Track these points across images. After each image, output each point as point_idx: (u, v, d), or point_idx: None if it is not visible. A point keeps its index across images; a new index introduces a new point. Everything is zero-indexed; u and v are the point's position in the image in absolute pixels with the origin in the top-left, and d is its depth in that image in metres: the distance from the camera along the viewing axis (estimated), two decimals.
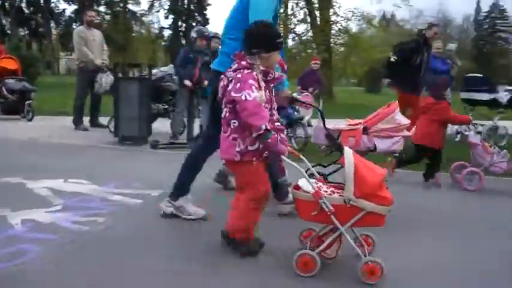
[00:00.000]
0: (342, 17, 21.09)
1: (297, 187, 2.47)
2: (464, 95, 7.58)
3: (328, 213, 2.27)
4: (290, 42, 23.14)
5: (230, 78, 2.44)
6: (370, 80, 34.98)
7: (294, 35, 22.15)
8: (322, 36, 19.44)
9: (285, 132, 6.57)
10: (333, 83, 22.72)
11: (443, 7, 77.14)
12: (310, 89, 8.67)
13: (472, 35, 68.70)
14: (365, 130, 3.62)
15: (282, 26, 20.93)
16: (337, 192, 2.43)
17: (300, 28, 22.22)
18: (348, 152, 2.33)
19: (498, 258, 2.85)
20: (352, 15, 21.00)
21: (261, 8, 2.91)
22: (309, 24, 21.25)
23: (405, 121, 3.70)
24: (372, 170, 2.36)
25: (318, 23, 20.48)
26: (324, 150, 3.85)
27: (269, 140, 2.34)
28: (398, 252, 2.76)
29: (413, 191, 4.47)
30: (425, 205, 3.96)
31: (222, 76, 2.53)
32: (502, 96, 7.24)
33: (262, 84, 2.48)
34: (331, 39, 21.19)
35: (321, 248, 2.39)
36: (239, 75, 2.39)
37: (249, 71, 2.43)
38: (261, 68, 2.49)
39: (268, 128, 2.32)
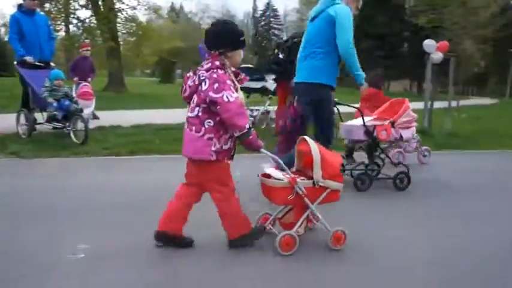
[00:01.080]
0: (127, 5, 20.43)
1: (267, 175, 2.66)
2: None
3: (302, 195, 2.56)
4: (72, 28, 21.27)
5: (202, 78, 2.38)
6: (162, 71, 35.14)
7: (76, 20, 20.34)
8: (106, 23, 18.40)
9: (64, 125, 6.13)
10: (123, 73, 21.94)
11: (226, 3, 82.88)
12: (89, 79, 8.12)
13: (252, 30, 76.27)
14: (392, 124, 4.37)
15: (62, 9, 19.05)
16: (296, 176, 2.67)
17: (84, 14, 20.63)
18: (312, 143, 2.61)
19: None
20: (138, 4, 20.57)
21: (346, 26, 3.45)
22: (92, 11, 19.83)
23: (414, 114, 4.59)
24: (333, 155, 2.74)
25: (101, 9, 19.31)
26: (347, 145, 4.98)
27: (250, 137, 2.41)
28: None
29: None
30: None
31: (189, 74, 2.49)
32: (270, 84, 8.24)
33: (237, 84, 2.50)
34: (118, 28, 20.32)
35: (296, 227, 2.65)
36: (215, 75, 2.36)
37: (223, 71, 2.41)
38: (232, 68, 2.51)
39: (250, 126, 2.40)
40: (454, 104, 14.69)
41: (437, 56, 8.58)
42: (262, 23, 75.50)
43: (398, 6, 32.23)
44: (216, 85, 2.33)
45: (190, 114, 2.47)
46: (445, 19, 29.53)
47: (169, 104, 12.42)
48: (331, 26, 3.48)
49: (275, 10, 74.95)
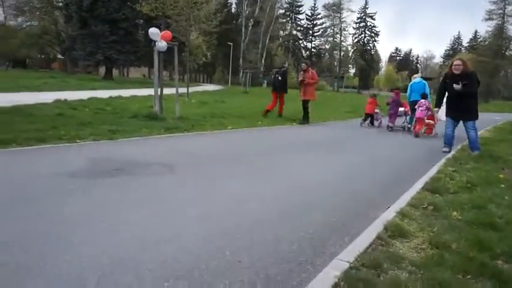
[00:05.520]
0: None
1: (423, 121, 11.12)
2: None
3: (434, 125, 11.60)
4: None
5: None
6: None
7: None
8: None
9: None
10: None
11: None
12: None
13: None
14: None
15: None
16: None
17: None
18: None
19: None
20: None
21: (428, 88, 11.74)
22: None
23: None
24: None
25: None
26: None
27: None
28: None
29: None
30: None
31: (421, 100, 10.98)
32: None
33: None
34: None
35: (434, 131, 11.28)
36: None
37: None
38: None
39: None
40: (184, 90, 16.61)
41: (161, 44, 8.70)
42: None
43: None
44: None
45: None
46: (168, 9, 30.34)
47: None
48: (425, 86, 11.61)
49: None
